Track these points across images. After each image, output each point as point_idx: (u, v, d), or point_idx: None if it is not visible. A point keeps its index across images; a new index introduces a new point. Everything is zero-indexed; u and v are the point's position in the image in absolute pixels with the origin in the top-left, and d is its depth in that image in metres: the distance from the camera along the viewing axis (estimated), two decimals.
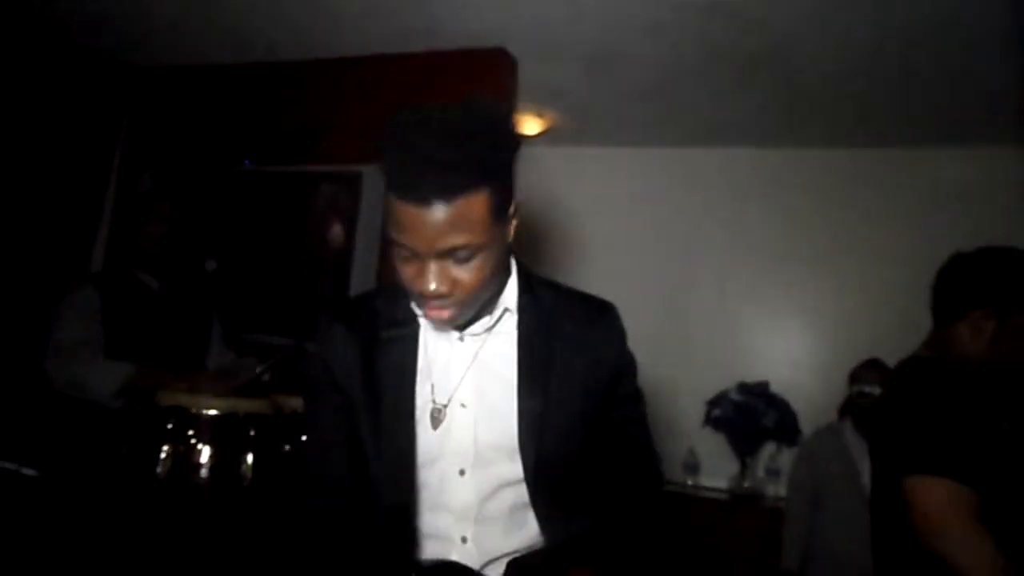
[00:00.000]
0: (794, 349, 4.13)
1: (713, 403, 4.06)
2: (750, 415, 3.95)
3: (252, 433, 2.58)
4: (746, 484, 3.98)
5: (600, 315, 1.38)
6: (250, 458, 2.57)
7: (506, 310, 1.30)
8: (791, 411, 3.97)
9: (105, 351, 2.74)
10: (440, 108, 1.14)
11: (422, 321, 1.30)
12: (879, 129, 3.87)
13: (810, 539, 3.31)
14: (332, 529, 1.27)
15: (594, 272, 4.09)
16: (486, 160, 1.10)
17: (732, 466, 4.06)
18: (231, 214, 3.66)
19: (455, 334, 1.30)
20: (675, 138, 4.28)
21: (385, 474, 1.24)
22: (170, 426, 2.53)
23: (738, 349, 4.18)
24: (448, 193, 1.07)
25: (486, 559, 1.27)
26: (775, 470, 3.98)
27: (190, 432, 2.55)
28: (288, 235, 3.52)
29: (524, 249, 1.55)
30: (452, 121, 1.11)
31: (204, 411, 2.56)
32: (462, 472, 1.27)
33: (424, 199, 1.07)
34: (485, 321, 1.29)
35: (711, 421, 4.05)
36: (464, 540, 1.27)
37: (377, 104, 3.52)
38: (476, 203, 1.09)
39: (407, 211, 1.09)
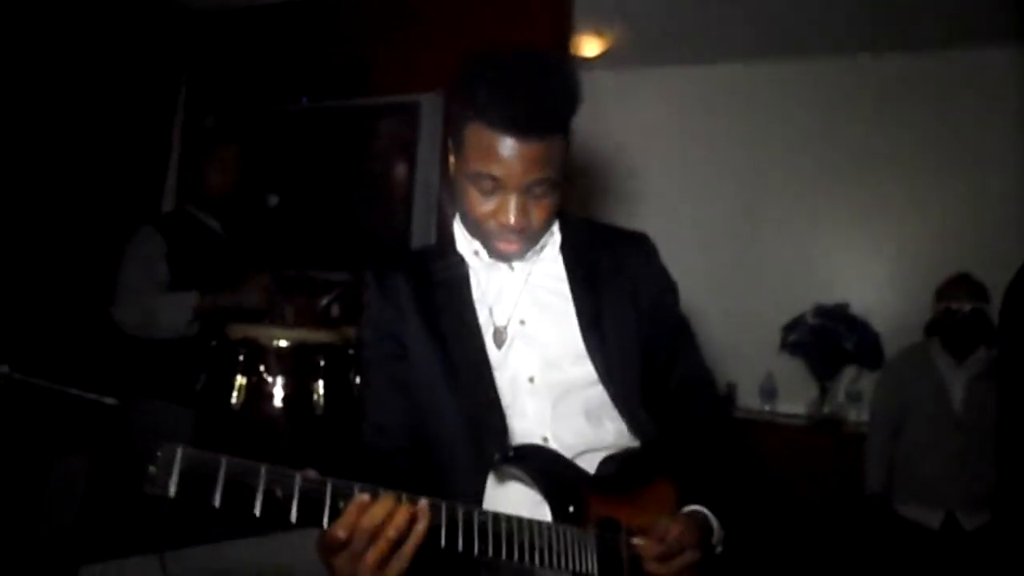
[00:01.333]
0: (874, 269, 3.96)
1: (789, 328, 3.93)
2: (829, 338, 3.82)
3: (322, 363, 2.61)
4: (826, 409, 3.87)
5: (634, 242, 1.47)
6: (321, 388, 2.60)
7: (550, 233, 1.39)
8: (872, 333, 3.82)
9: (169, 291, 2.79)
10: (517, 49, 1.23)
11: (470, 260, 1.38)
12: (964, 29, 3.59)
13: (894, 463, 3.24)
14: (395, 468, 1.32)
15: (655, 204, 3.97)
16: (574, 102, 1.21)
17: (811, 391, 3.94)
18: (291, 151, 3.67)
19: (503, 264, 1.37)
20: (744, 49, 4.07)
21: (466, 394, 1.29)
22: (242, 358, 2.58)
23: (814, 271, 4.02)
24: (548, 129, 1.19)
25: (571, 454, 1.28)
26: (856, 394, 3.85)
27: (262, 364, 2.59)
28: (348, 169, 3.52)
29: (583, 180, 1.53)
30: (547, 61, 1.22)
31: (275, 342, 2.61)
32: (531, 379, 1.32)
33: (526, 132, 1.17)
34: (532, 251, 1.36)
35: (788, 346, 3.93)
36: (545, 440, 1.29)
37: (429, 30, 3.44)
38: (561, 141, 1.23)
39: (503, 143, 1.18)
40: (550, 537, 1.14)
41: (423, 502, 1.00)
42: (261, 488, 0.88)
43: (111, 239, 2.92)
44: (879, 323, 3.83)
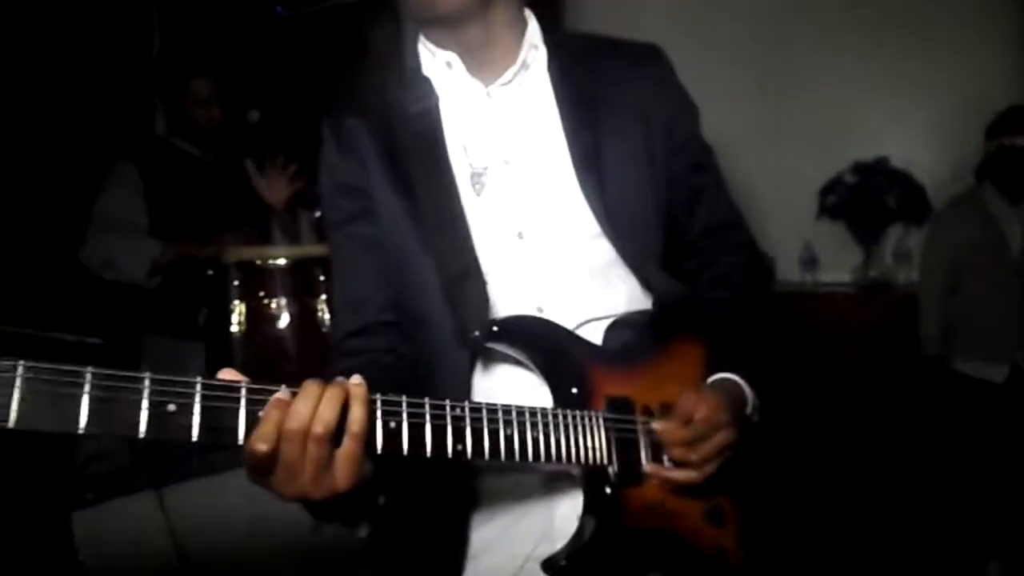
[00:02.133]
0: (914, 116, 3.63)
1: (827, 190, 3.65)
2: (870, 197, 3.55)
3: (322, 278, 2.46)
4: (872, 273, 3.63)
5: (642, 55, 1.22)
6: (325, 303, 2.46)
7: (532, 47, 1.16)
8: (917, 186, 3.53)
9: (150, 227, 2.65)
10: None
11: (440, 88, 1.16)
12: None
13: (951, 320, 3.06)
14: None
15: (674, 62, 3.62)
16: None
17: (854, 257, 3.69)
18: (270, 64, 3.45)
19: (481, 90, 1.14)
20: None
21: (439, 252, 1.08)
22: (237, 283, 2.44)
23: (848, 127, 3.70)
24: None
25: (572, 326, 1.09)
26: (904, 254, 3.59)
27: (260, 286, 2.45)
28: (331, 75, 3.29)
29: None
30: None
31: (272, 261, 2.46)
32: (520, 235, 1.11)
33: None
34: (511, 70, 1.14)
35: (826, 210, 3.66)
36: (540, 309, 1.10)
37: None
38: None
39: None
40: (547, 426, 0.95)
41: (355, 378, 0.80)
42: (145, 403, 0.70)
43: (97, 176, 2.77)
44: (923, 175, 3.54)
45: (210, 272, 2.52)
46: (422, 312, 1.11)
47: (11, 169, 2.98)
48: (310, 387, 0.77)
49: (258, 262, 2.45)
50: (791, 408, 3.25)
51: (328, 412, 0.76)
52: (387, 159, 1.12)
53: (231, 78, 2.90)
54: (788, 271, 3.72)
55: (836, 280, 3.70)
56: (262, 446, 0.74)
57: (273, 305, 2.45)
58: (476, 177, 1.12)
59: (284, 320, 2.44)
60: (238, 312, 2.42)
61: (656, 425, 1.02)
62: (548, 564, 0.98)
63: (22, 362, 0.66)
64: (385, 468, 0.86)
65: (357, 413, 0.78)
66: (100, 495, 1.61)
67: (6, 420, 0.65)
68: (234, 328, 2.41)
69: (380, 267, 1.14)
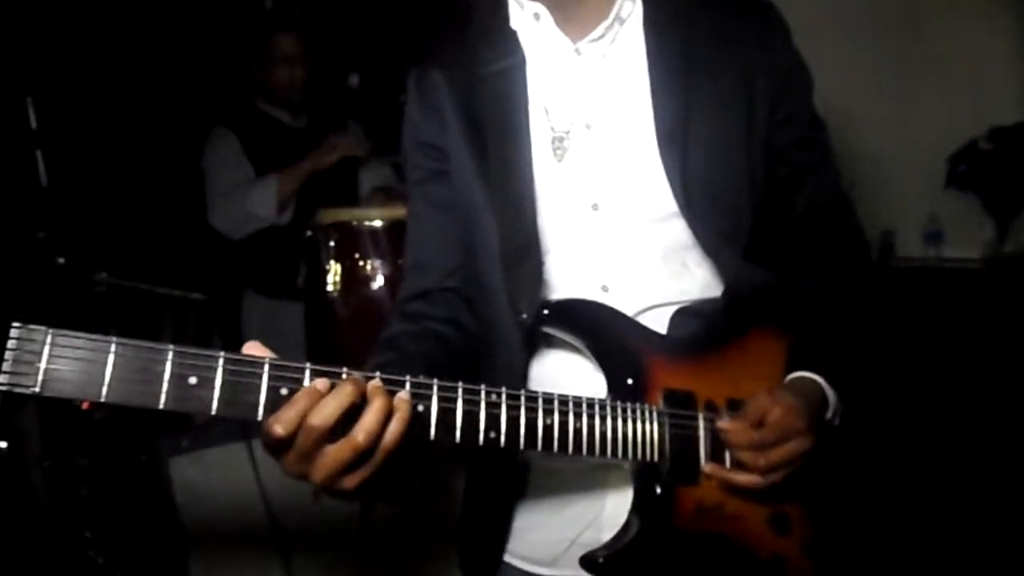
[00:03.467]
0: None
1: (957, 158, 3.35)
2: (1008, 166, 3.23)
3: None
4: (1007, 249, 3.33)
5: (752, 11, 1.11)
6: None
7: (631, 1, 1.08)
8: None
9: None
10: None
11: (526, 43, 1.10)
12: None
13: None
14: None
15: (789, 15, 3.37)
16: None
17: (986, 231, 3.40)
18: (369, 25, 3.45)
19: (569, 47, 1.08)
20: None
21: (502, 220, 1.04)
22: (333, 243, 2.49)
23: (984, 88, 3.37)
24: None
25: (637, 310, 1.04)
26: None
27: (355, 247, 2.49)
28: (432, 35, 3.26)
29: None
30: None
31: (367, 223, 2.49)
32: (595, 207, 1.05)
33: None
34: (603, 25, 1.06)
35: (956, 180, 3.37)
36: (605, 289, 1.05)
37: None
38: None
39: None
40: (592, 417, 0.91)
41: (402, 394, 0.78)
42: (167, 374, 0.71)
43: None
44: None
45: (308, 233, 2.58)
46: (484, 283, 1.08)
47: (113, 137, 3.13)
48: (347, 389, 0.75)
49: (353, 223, 2.49)
50: (906, 401, 3.09)
51: (373, 423, 0.75)
52: (465, 117, 1.09)
53: (316, 36, 2.91)
54: (910, 246, 3.47)
55: (964, 256, 3.42)
56: (279, 429, 0.73)
57: (368, 266, 2.48)
58: (558, 141, 1.07)
59: (379, 281, 2.48)
60: (333, 272, 2.47)
61: (722, 424, 0.96)
62: (586, 560, 0.95)
63: (51, 330, 0.67)
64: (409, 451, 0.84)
65: (396, 429, 0.77)
66: (195, 443, 1.70)
67: (34, 384, 0.67)
68: (330, 288, 2.47)
69: (450, 231, 1.12)
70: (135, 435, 2.18)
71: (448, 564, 1.78)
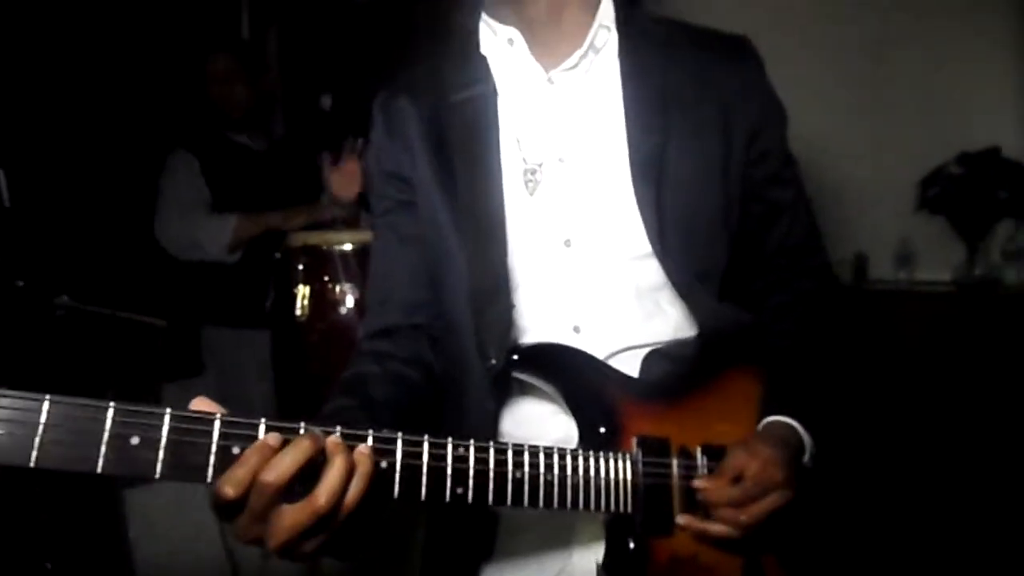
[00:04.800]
0: None
1: (928, 182, 3.37)
2: (977, 190, 3.26)
3: None
4: (977, 272, 3.35)
5: (730, 49, 1.08)
6: None
7: (604, 28, 1.05)
8: None
9: (213, 210, 2.69)
10: None
11: (498, 71, 1.07)
12: None
13: None
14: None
15: (761, 43, 3.39)
16: None
17: (957, 254, 3.42)
18: (343, 47, 3.41)
19: (542, 76, 1.05)
20: None
21: (471, 257, 1.00)
22: (302, 267, 2.45)
23: (954, 114, 3.40)
24: None
25: (609, 352, 1.00)
26: (1015, 252, 3.30)
27: (325, 271, 2.45)
28: (405, 56, 3.24)
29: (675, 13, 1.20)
30: None
31: (336, 246, 2.45)
32: (567, 243, 1.02)
33: None
34: (577, 53, 1.03)
35: (928, 204, 3.39)
36: (577, 330, 1.01)
37: None
38: None
39: None
40: (564, 468, 0.87)
41: (362, 448, 0.73)
42: (106, 435, 0.64)
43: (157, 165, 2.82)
44: None
45: (277, 255, 2.54)
46: (453, 322, 1.04)
47: (79, 159, 3.06)
48: (304, 444, 0.69)
49: (323, 247, 2.45)
50: (879, 424, 3.08)
51: (335, 484, 0.69)
52: (433, 146, 1.04)
53: (251, 55, 2.89)
54: (882, 270, 3.48)
55: (935, 279, 3.44)
56: (229, 491, 0.67)
57: (337, 290, 2.44)
58: (530, 174, 1.03)
59: (348, 305, 2.43)
60: (302, 296, 2.43)
61: (699, 483, 0.93)
62: None
63: None
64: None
65: (358, 488, 0.71)
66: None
67: None
68: (298, 313, 2.42)
69: (415, 265, 1.08)
70: None
71: None
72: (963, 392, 3.12)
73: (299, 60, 2.87)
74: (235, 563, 1.63)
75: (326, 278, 2.43)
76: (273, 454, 0.69)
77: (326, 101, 2.83)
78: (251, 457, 0.68)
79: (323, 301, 2.43)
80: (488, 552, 1.05)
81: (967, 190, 3.31)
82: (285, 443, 0.70)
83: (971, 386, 3.13)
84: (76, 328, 2.21)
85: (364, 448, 0.73)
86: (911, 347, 3.32)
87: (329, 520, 0.70)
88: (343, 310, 2.43)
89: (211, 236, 2.62)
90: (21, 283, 2.25)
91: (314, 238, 2.48)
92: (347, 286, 2.44)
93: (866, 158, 3.47)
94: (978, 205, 3.32)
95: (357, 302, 2.43)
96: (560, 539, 1.02)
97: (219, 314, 2.74)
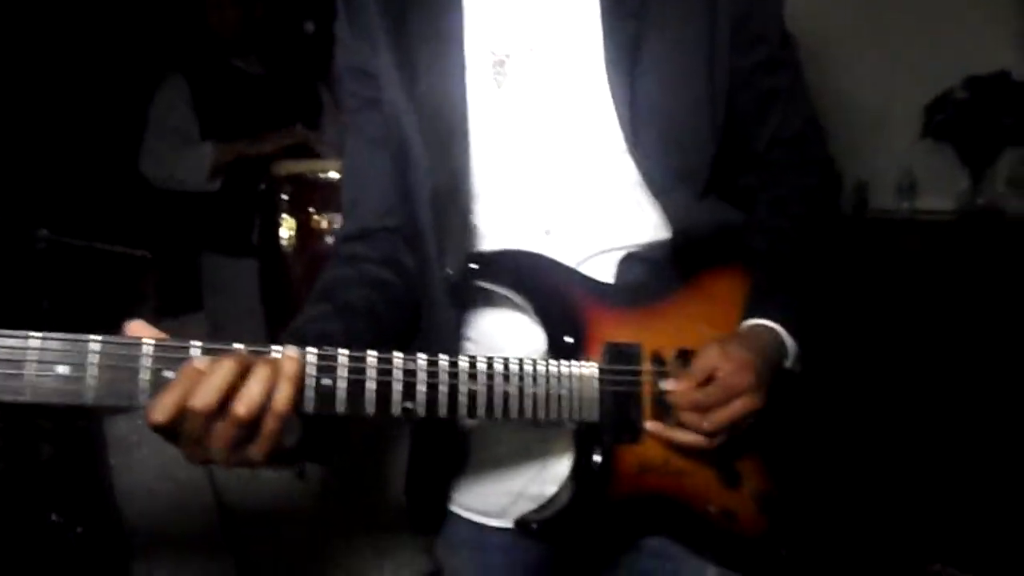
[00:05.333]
0: None
1: (934, 108, 3.28)
2: (984, 116, 3.17)
3: None
4: (980, 200, 3.28)
5: None
6: None
7: None
8: None
9: (202, 137, 2.64)
10: None
11: None
12: None
13: None
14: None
15: None
16: None
17: (960, 183, 3.34)
18: None
19: None
20: None
21: (431, 156, 0.95)
22: (286, 197, 2.39)
23: (963, 37, 3.29)
24: None
25: (583, 256, 0.96)
26: (1020, 180, 3.22)
27: (310, 200, 2.40)
28: None
29: None
30: None
31: (322, 175, 2.39)
32: (537, 139, 0.96)
33: None
34: None
35: (932, 130, 3.30)
36: (548, 233, 0.96)
37: None
38: None
39: None
40: (523, 379, 0.84)
41: (289, 351, 0.70)
42: (33, 364, 0.61)
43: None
44: None
45: (262, 186, 2.49)
46: (416, 226, 1.00)
47: (67, 84, 2.99)
48: (227, 364, 0.67)
49: (308, 175, 2.39)
50: (878, 352, 3.06)
51: (255, 392, 0.67)
52: (394, 36, 0.98)
53: None
54: (884, 198, 3.41)
55: (937, 208, 3.37)
56: (159, 417, 0.65)
57: (324, 221, 2.39)
58: (498, 66, 0.96)
59: (334, 236, 2.39)
60: (287, 227, 2.38)
61: (666, 385, 0.89)
62: (520, 523, 0.89)
63: None
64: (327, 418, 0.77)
65: (285, 392, 0.69)
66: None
67: None
68: (284, 243, 2.38)
69: (386, 165, 1.03)
70: None
71: (399, 525, 1.75)
72: (964, 322, 3.09)
73: None
74: (217, 485, 1.62)
75: (311, 208, 2.38)
76: (200, 377, 0.66)
77: (309, 26, 2.75)
78: (179, 383, 0.66)
79: (309, 231, 2.38)
80: (462, 464, 1.04)
81: (973, 116, 3.22)
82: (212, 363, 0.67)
83: (972, 316, 3.09)
84: (59, 262, 2.18)
85: (290, 351, 0.71)
86: (912, 278, 3.28)
87: (256, 427, 0.68)
88: (329, 240, 2.38)
89: (188, 166, 2.57)
90: None
91: (299, 167, 2.42)
92: (333, 215, 2.39)
93: (869, 82, 3.37)
94: (984, 132, 3.23)
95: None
96: (532, 451, 1.00)
97: (213, 244, 2.71)
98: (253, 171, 2.57)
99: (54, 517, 2.31)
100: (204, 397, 0.66)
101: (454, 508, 1.07)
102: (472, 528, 1.05)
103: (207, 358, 0.67)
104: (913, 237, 3.30)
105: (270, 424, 0.69)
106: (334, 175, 2.38)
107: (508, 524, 0.99)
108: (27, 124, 2.74)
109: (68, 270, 2.19)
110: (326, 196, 2.39)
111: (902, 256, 3.29)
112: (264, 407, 0.68)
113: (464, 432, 1.03)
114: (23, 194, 2.35)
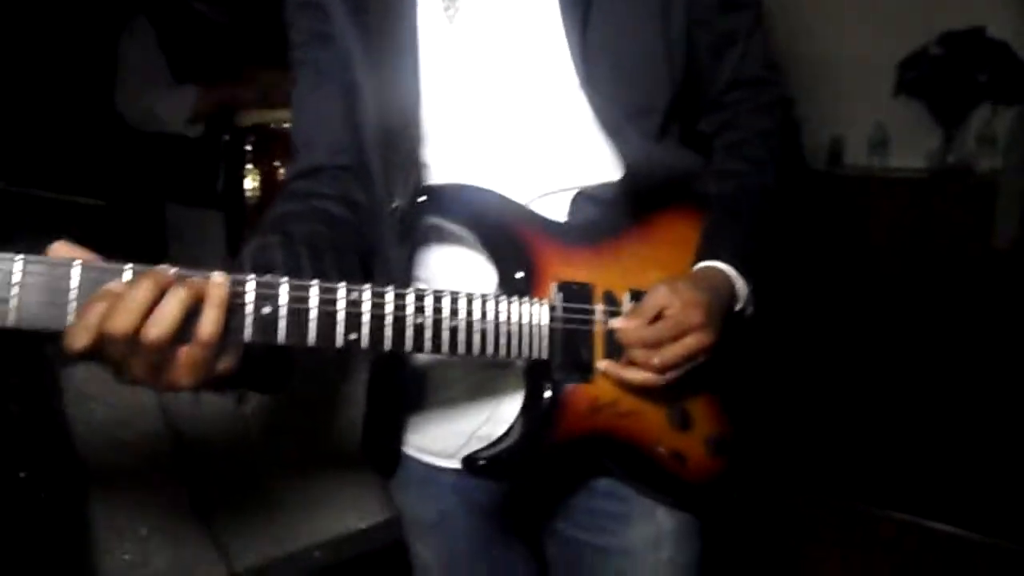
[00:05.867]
0: None
1: (907, 64, 3.28)
2: (958, 72, 3.17)
3: None
4: (951, 159, 3.30)
5: None
6: None
7: None
8: (1017, 61, 3.13)
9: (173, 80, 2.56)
10: None
11: None
12: None
13: None
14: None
15: None
16: None
17: (932, 140, 3.36)
18: None
19: None
20: None
21: (378, 92, 0.93)
22: (250, 147, 2.34)
23: None
24: None
25: (535, 195, 0.94)
26: (990, 137, 3.24)
27: (275, 150, 2.35)
28: None
29: None
30: None
31: (286, 124, 2.34)
32: (488, 76, 0.94)
33: None
34: None
35: (905, 87, 3.30)
36: (499, 170, 0.94)
37: None
38: None
39: None
40: (471, 314, 0.82)
41: (215, 277, 0.67)
42: None
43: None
44: (1023, 48, 3.14)
45: (226, 136, 2.43)
46: (365, 162, 0.98)
47: (30, 30, 2.90)
48: (145, 283, 0.64)
49: (271, 125, 2.34)
50: (850, 307, 3.08)
51: (168, 315, 0.64)
52: None
53: None
54: (857, 155, 3.42)
55: (908, 165, 3.39)
56: (76, 343, 0.63)
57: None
58: (449, 0, 0.94)
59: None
60: (252, 177, 2.33)
61: (615, 322, 0.88)
62: (467, 461, 0.88)
63: None
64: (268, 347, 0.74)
65: (210, 317, 0.66)
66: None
67: None
68: (248, 194, 2.33)
69: (336, 101, 1.00)
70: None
71: (356, 467, 1.75)
72: (932, 277, 3.12)
73: None
74: (177, 430, 1.61)
75: (275, 159, 2.34)
76: (116, 300, 0.63)
77: None
78: (95, 306, 0.63)
79: (272, 182, 2.33)
80: (416, 406, 1.04)
81: (947, 72, 3.22)
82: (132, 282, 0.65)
83: (939, 271, 3.13)
84: (9, 211, 2.12)
85: (217, 276, 0.68)
86: (883, 234, 3.30)
87: (175, 351, 0.66)
88: None
89: (170, 107, 2.50)
90: None
91: (262, 116, 2.37)
92: None
93: (844, 38, 3.35)
94: (957, 88, 3.23)
95: None
96: (484, 392, 0.99)
97: (177, 194, 2.65)
98: (218, 121, 2.51)
99: (22, 475, 2.30)
100: (120, 320, 0.62)
101: (407, 449, 1.07)
102: (425, 469, 1.05)
103: (122, 282, 0.64)
104: (884, 194, 3.32)
105: (192, 350, 0.66)
106: None
107: (459, 465, 0.99)
108: None
109: (16, 219, 2.14)
110: (288, 146, 2.35)
111: (873, 212, 3.31)
112: (179, 331, 0.65)
113: (418, 374, 1.02)
114: None
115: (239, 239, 2.44)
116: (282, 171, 2.32)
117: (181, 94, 2.51)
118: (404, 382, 1.03)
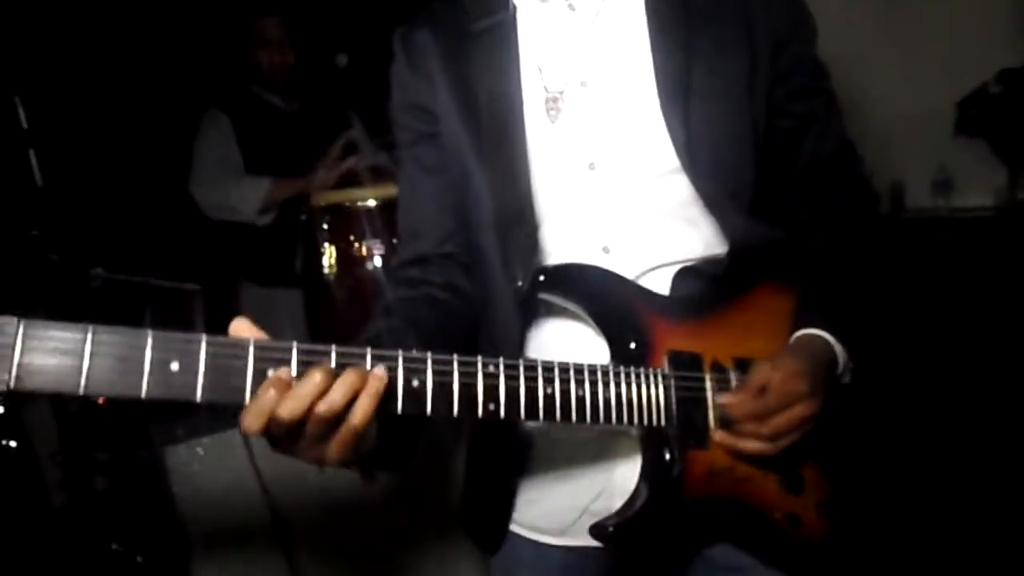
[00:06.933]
0: None
1: (967, 103, 3.26)
2: (1018, 109, 3.14)
3: None
4: (1020, 195, 3.24)
5: None
6: None
7: None
8: None
9: (246, 171, 2.69)
10: None
11: (519, 2, 1.05)
12: None
13: None
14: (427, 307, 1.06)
15: None
16: None
17: (997, 178, 3.31)
18: (355, 4, 3.37)
19: (562, 1, 1.03)
20: None
21: (494, 184, 1.00)
22: (326, 226, 2.44)
23: (996, 30, 3.27)
24: None
25: (640, 271, 1.00)
26: None
27: (350, 228, 2.44)
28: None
29: None
30: None
31: (360, 203, 2.44)
32: (592, 166, 1.01)
33: None
34: None
35: (966, 126, 3.28)
36: (606, 250, 1.00)
37: None
38: None
39: None
40: (595, 384, 0.86)
41: (376, 371, 0.74)
42: (148, 361, 0.65)
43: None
44: None
45: (303, 217, 2.54)
46: (479, 249, 1.04)
47: (107, 129, 3.08)
48: (314, 376, 0.70)
49: (346, 204, 2.44)
50: (922, 353, 3.02)
51: (337, 398, 0.71)
52: (454, 77, 1.04)
53: (302, 17, 2.86)
54: (920, 197, 3.39)
55: (974, 204, 3.34)
56: (253, 424, 0.70)
57: (363, 247, 2.44)
58: (551, 102, 1.01)
59: (375, 261, 2.43)
60: (329, 255, 2.42)
61: (724, 398, 0.92)
62: (596, 529, 0.91)
63: (23, 320, 0.62)
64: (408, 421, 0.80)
65: (364, 406, 0.72)
66: (189, 431, 1.67)
67: (7, 379, 0.61)
68: (326, 271, 2.42)
69: (443, 195, 1.08)
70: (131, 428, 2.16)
71: (453, 541, 1.76)
72: (1008, 320, 3.04)
73: (311, 18, 2.83)
74: (275, 506, 1.65)
75: (351, 236, 2.42)
76: (287, 388, 0.69)
77: (342, 59, 2.80)
78: (267, 393, 0.69)
79: (349, 259, 2.42)
80: (521, 482, 1.06)
81: (1008, 110, 3.19)
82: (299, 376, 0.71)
83: (1015, 312, 3.05)
84: (113, 299, 2.23)
85: (378, 371, 0.74)
86: (952, 276, 3.24)
87: (334, 430, 0.72)
88: (369, 266, 2.42)
89: (244, 197, 2.62)
90: (55, 257, 2.29)
91: (336, 196, 2.47)
92: (373, 242, 2.43)
93: (901, 82, 3.35)
94: (1020, 125, 3.20)
95: (383, 257, 2.42)
96: (596, 465, 1.02)
97: (253, 274, 2.76)
98: (293, 202, 2.63)
99: (115, 546, 2.37)
100: (289, 408, 0.69)
101: (513, 527, 1.09)
102: (531, 547, 1.07)
103: (288, 370, 0.71)
104: (951, 235, 3.27)
105: (344, 433, 0.72)
106: (371, 203, 2.43)
107: (570, 542, 1.03)
108: (79, 167, 2.82)
109: (121, 306, 2.25)
110: (364, 223, 2.44)
111: (941, 255, 3.25)
112: (344, 413, 0.71)
113: (522, 446, 1.06)
114: (77, 234, 2.41)
115: (320, 314, 2.53)
116: (357, 246, 2.42)
117: (254, 185, 2.63)
118: (507, 456, 1.07)
